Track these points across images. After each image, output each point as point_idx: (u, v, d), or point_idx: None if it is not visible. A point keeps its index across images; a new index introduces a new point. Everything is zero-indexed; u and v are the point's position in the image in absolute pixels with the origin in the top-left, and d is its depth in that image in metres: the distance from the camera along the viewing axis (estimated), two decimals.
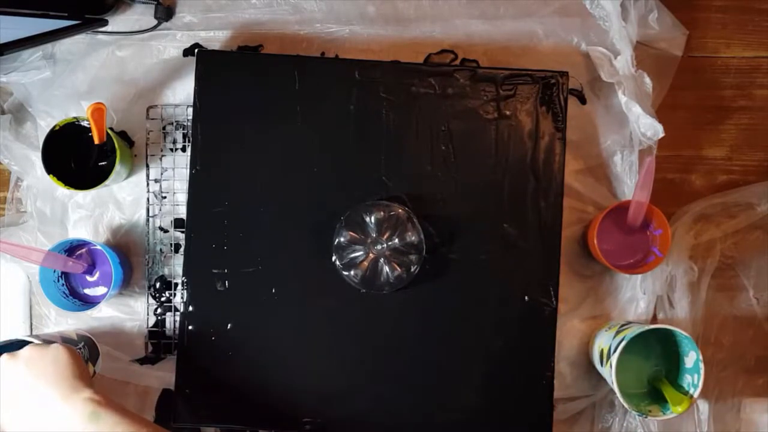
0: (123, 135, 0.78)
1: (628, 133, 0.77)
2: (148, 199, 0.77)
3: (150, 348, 0.77)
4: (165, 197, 0.78)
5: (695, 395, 0.68)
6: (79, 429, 0.55)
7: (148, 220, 0.77)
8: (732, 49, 0.81)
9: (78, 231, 0.77)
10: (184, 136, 0.78)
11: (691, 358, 0.70)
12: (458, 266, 0.72)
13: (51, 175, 0.70)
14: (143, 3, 0.77)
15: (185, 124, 0.78)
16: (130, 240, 0.78)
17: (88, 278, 0.77)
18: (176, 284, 0.77)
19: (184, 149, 0.78)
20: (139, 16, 0.78)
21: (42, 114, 0.77)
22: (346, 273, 0.69)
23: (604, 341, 0.72)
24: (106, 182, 0.71)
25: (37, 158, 0.76)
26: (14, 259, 0.74)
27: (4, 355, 0.59)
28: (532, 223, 0.72)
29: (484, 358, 0.72)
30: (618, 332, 0.70)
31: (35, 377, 0.57)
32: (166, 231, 0.78)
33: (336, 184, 0.73)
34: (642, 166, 0.70)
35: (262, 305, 0.72)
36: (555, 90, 0.73)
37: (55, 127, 0.71)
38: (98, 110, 0.68)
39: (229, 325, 0.71)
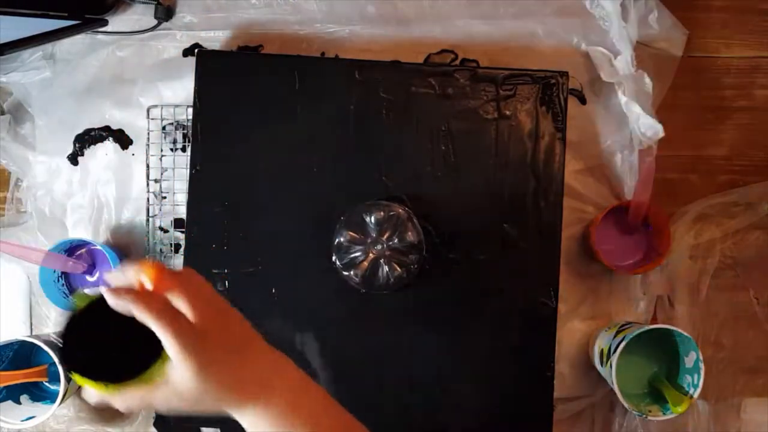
0: (123, 135, 0.78)
1: (628, 133, 0.77)
2: (148, 199, 0.77)
3: None
4: (165, 197, 0.78)
5: (695, 395, 0.68)
6: None
7: (148, 220, 0.77)
8: (732, 49, 0.81)
9: (78, 231, 0.77)
10: (184, 136, 0.78)
11: (691, 358, 0.70)
12: (458, 266, 0.72)
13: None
14: (143, 3, 0.77)
15: (185, 124, 0.78)
16: (130, 240, 0.78)
17: (88, 278, 0.77)
18: None
19: (184, 149, 0.78)
20: (139, 16, 0.78)
21: (41, 114, 0.77)
22: (346, 273, 0.69)
23: (604, 341, 0.72)
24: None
25: (35, 158, 0.76)
26: (14, 259, 0.74)
27: None
28: (532, 223, 0.72)
29: (484, 358, 0.72)
30: (618, 332, 0.70)
31: None
32: (166, 231, 0.77)
33: (336, 184, 0.72)
34: (642, 166, 0.70)
35: (262, 305, 0.71)
36: (555, 90, 0.73)
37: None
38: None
39: None
